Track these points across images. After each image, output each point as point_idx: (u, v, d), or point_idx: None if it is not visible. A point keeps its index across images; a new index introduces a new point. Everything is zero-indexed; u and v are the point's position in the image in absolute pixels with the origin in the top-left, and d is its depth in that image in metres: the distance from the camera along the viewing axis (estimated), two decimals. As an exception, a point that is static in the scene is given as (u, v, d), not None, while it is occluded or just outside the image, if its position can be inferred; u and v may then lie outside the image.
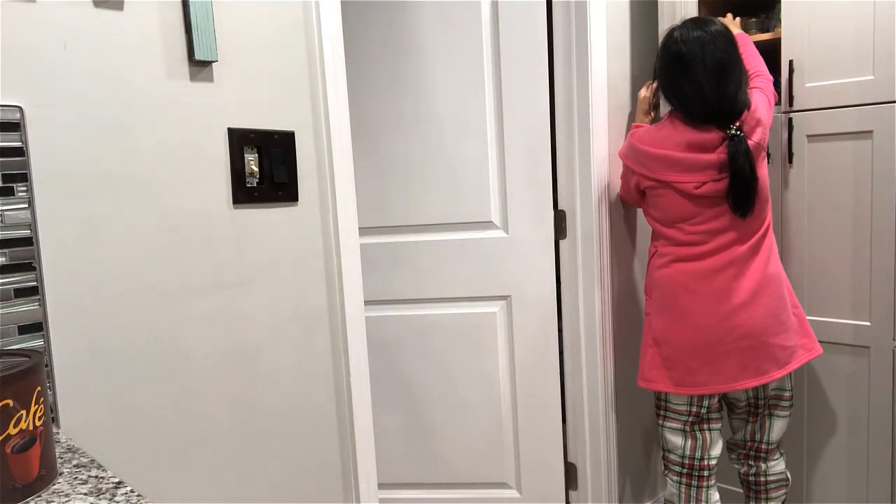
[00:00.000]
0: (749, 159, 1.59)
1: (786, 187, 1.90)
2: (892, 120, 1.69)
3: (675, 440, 1.75)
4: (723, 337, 1.64)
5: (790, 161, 1.88)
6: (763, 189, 1.64)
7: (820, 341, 1.88)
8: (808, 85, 1.82)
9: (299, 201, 1.32)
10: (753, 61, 1.78)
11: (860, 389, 1.84)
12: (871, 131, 1.73)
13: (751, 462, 1.82)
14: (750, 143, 1.61)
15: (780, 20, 1.86)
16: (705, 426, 1.73)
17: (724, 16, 1.93)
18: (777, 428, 1.78)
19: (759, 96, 1.68)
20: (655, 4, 2.13)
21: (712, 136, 1.61)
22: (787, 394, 1.76)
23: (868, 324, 1.80)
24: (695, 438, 1.74)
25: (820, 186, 1.84)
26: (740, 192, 1.60)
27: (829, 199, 1.83)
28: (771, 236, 1.70)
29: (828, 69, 1.78)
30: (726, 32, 1.62)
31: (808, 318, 1.89)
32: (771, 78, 1.77)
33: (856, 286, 1.81)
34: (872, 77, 1.71)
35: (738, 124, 1.60)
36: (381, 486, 2.14)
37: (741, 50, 1.81)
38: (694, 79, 1.60)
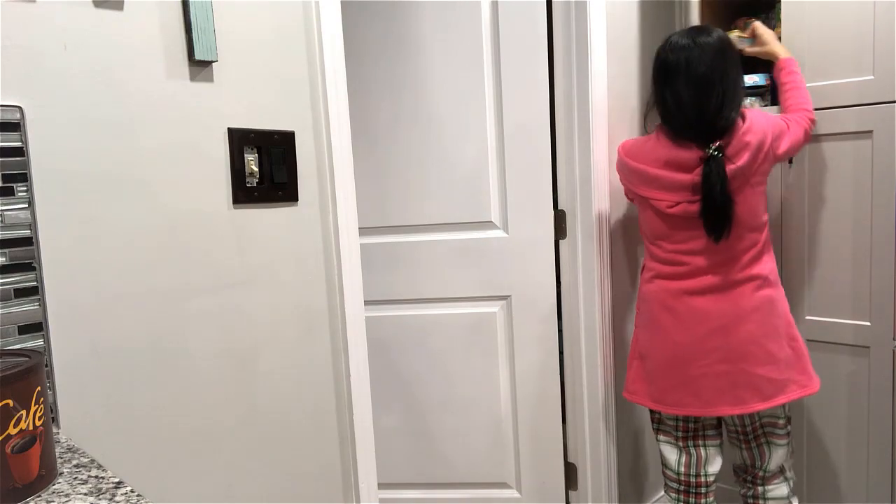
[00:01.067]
0: (723, 183, 1.51)
1: (786, 187, 1.90)
2: (892, 120, 1.69)
3: (669, 455, 1.74)
4: (698, 358, 1.59)
5: (790, 161, 1.88)
6: (745, 216, 1.56)
7: (820, 341, 1.88)
8: (808, 85, 1.82)
9: (299, 201, 1.32)
10: (796, 96, 1.71)
11: (860, 389, 1.84)
12: (870, 131, 1.73)
13: (749, 485, 1.75)
14: (730, 166, 1.52)
15: (780, 20, 1.86)
16: (700, 442, 1.71)
17: (734, 22, 1.88)
18: (775, 456, 1.69)
19: (767, 120, 1.58)
20: (660, 4, 2.13)
21: (691, 154, 1.55)
22: (780, 422, 1.68)
23: (868, 324, 1.80)
24: (689, 454, 1.72)
25: (820, 186, 1.84)
26: (712, 216, 1.53)
27: (829, 200, 1.83)
28: (764, 261, 1.61)
29: (828, 69, 1.78)
30: (720, 45, 1.54)
31: (808, 318, 1.89)
32: (809, 116, 1.70)
33: (856, 286, 1.81)
34: (872, 77, 1.71)
35: (718, 144, 1.52)
36: (381, 486, 2.14)
37: (784, 79, 1.72)
38: (675, 90, 1.55)
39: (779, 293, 1.62)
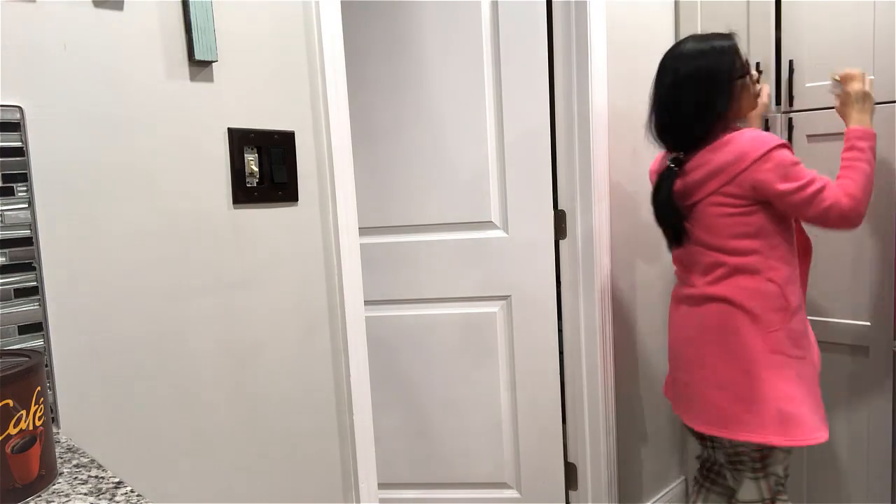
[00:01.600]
0: (668, 195, 1.49)
1: (786, 187, 1.90)
2: (893, 120, 1.69)
3: (695, 444, 1.79)
4: (672, 362, 1.65)
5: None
6: (701, 234, 1.48)
7: (819, 341, 1.88)
8: (808, 85, 1.82)
9: (299, 201, 1.32)
10: (845, 175, 1.43)
11: (860, 389, 1.84)
12: (871, 131, 1.73)
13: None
14: (679, 180, 1.48)
15: (780, 20, 1.86)
16: (709, 444, 1.72)
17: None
18: (741, 489, 1.53)
19: (763, 145, 1.38)
20: (663, 4, 2.13)
21: (665, 161, 1.57)
22: (754, 454, 1.50)
23: (868, 324, 1.80)
24: (704, 452, 1.76)
25: (820, 186, 1.84)
26: (660, 223, 1.57)
27: (829, 200, 1.83)
28: (739, 285, 1.46)
29: (828, 69, 1.78)
30: (706, 56, 1.44)
31: (808, 318, 1.89)
32: (847, 200, 1.39)
33: (855, 287, 1.81)
34: (872, 77, 1.71)
35: (674, 156, 1.50)
36: (381, 486, 2.14)
37: (842, 155, 1.47)
38: (655, 92, 1.54)
39: (754, 321, 1.44)
